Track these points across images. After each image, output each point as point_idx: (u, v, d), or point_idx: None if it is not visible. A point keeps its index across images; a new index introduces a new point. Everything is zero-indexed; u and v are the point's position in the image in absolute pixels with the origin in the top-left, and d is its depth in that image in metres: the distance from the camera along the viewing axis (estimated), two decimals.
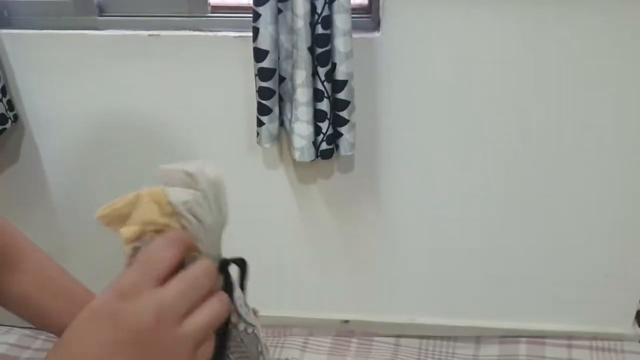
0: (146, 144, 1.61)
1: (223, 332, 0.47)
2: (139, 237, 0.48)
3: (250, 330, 0.54)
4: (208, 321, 0.43)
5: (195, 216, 0.49)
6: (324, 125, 1.40)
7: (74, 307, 0.59)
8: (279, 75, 1.40)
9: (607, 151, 1.51)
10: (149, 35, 1.47)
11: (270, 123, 1.43)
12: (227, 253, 0.51)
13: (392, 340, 1.79)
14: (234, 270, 0.50)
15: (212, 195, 0.51)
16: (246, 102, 1.50)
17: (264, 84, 1.37)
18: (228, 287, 0.48)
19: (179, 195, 0.49)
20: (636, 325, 1.75)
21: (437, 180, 1.59)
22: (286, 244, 1.72)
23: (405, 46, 1.42)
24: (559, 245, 1.65)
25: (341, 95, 1.37)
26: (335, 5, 1.29)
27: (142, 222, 0.49)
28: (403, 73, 1.45)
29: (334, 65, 1.35)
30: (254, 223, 1.67)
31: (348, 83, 1.36)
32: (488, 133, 1.52)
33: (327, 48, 1.33)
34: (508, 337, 1.76)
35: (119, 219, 0.51)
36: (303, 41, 1.30)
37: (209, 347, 0.44)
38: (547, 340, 1.74)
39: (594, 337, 1.74)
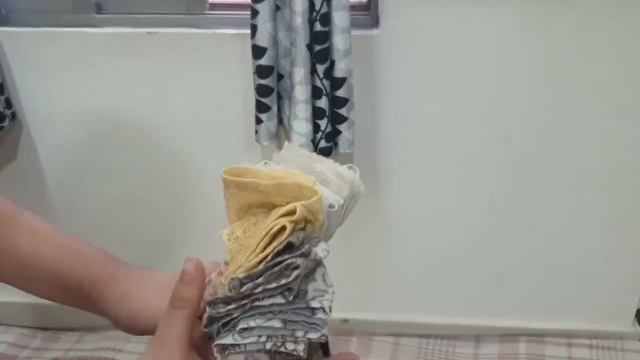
0: (144, 141, 1.60)
1: None
2: (298, 222, 0.48)
3: None
4: None
5: (328, 220, 0.50)
6: (323, 123, 1.40)
7: (92, 266, 0.57)
8: (278, 73, 1.39)
9: (607, 149, 1.50)
10: (147, 33, 1.47)
11: (269, 121, 1.42)
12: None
13: (391, 339, 1.78)
14: None
15: (349, 206, 0.52)
16: (244, 100, 1.49)
17: (263, 82, 1.36)
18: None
19: (329, 199, 0.49)
20: (636, 324, 1.75)
21: (437, 178, 1.58)
22: None
23: (404, 43, 1.42)
24: (558, 244, 1.65)
25: (340, 93, 1.37)
26: (334, 2, 1.28)
27: (310, 211, 0.48)
28: (402, 70, 1.45)
29: (333, 62, 1.34)
30: None
31: (347, 80, 1.36)
32: (488, 131, 1.51)
33: (326, 45, 1.32)
34: (508, 335, 1.76)
35: (249, 189, 0.49)
36: (301, 38, 1.30)
37: None
38: (546, 339, 1.73)
39: (594, 335, 1.74)
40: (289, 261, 0.47)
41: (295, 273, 0.47)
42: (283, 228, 0.47)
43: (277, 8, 1.33)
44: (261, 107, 1.40)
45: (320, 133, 1.41)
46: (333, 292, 0.51)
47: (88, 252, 0.58)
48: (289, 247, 0.47)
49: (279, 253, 0.47)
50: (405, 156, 1.56)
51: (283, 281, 0.47)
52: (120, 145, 1.62)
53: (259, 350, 0.48)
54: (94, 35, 1.49)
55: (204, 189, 1.65)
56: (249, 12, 1.32)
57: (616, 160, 1.51)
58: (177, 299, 0.50)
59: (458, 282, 1.73)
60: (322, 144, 1.42)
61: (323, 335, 0.50)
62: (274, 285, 0.47)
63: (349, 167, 0.52)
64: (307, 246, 0.48)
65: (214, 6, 1.49)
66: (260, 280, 0.47)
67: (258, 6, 1.29)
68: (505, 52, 1.41)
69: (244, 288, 0.47)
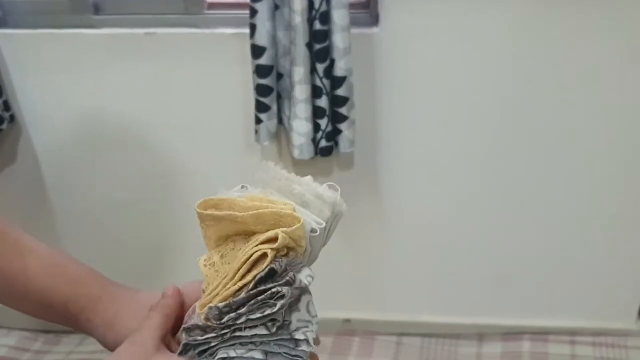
0: (143, 142, 1.60)
1: None
2: (280, 249, 0.47)
3: None
4: None
5: (311, 244, 0.49)
6: (323, 122, 1.39)
7: (79, 288, 0.57)
8: (277, 72, 1.39)
9: (610, 148, 1.50)
10: (145, 33, 1.46)
11: (269, 120, 1.41)
12: None
13: (394, 338, 1.78)
14: None
15: (332, 227, 0.51)
16: (244, 100, 1.49)
17: (262, 81, 1.36)
18: None
19: (310, 223, 0.48)
20: (639, 321, 1.74)
21: (438, 177, 1.58)
22: None
23: (404, 41, 1.41)
24: (560, 242, 1.64)
25: (340, 92, 1.36)
26: (333, 0, 1.28)
27: (292, 238, 0.47)
28: (402, 68, 1.44)
29: (333, 61, 1.34)
30: None
31: (347, 79, 1.35)
32: (489, 130, 1.50)
33: (326, 44, 1.31)
34: (511, 334, 1.75)
35: (228, 222, 0.48)
36: (301, 37, 1.29)
37: None
38: (550, 337, 1.73)
39: (597, 333, 1.73)
40: (274, 290, 0.45)
41: (280, 303, 0.45)
42: (264, 255, 0.46)
43: (276, 7, 1.32)
44: (261, 107, 1.39)
45: (320, 132, 1.40)
46: (317, 323, 0.48)
47: (75, 273, 0.58)
48: (271, 275, 0.46)
49: (260, 281, 0.45)
50: (406, 154, 1.55)
51: (267, 311, 0.45)
52: (119, 146, 1.61)
53: None
54: (92, 37, 1.48)
55: (203, 189, 1.63)
56: (247, 12, 1.31)
57: (618, 158, 1.51)
58: (155, 305, 0.52)
59: (460, 280, 1.73)
60: (323, 143, 1.42)
61: None
62: (257, 315, 0.45)
63: (330, 186, 0.50)
64: (291, 274, 0.46)
65: (212, 6, 1.48)
66: (243, 310, 0.45)
67: (257, 5, 1.29)
68: (506, 50, 1.41)
69: (226, 318, 0.45)
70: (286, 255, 0.47)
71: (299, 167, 1.57)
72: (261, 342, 0.46)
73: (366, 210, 1.63)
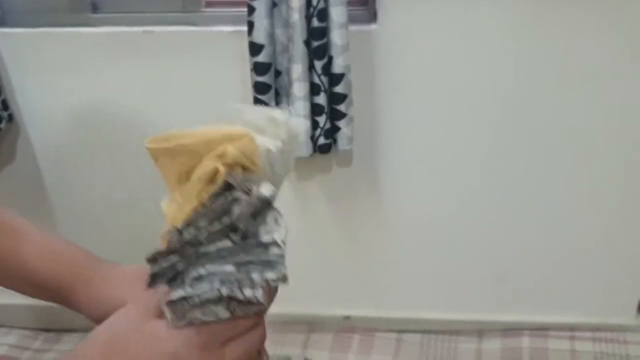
0: (142, 140, 1.59)
1: None
2: (233, 166, 0.45)
3: None
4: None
5: (270, 165, 0.47)
6: (322, 120, 1.39)
7: (71, 268, 0.58)
8: (275, 70, 1.39)
9: (608, 145, 1.50)
10: (144, 31, 1.46)
11: None
12: None
13: (394, 335, 1.78)
14: None
15: (290, 149, 0.49)
16: (242, 97, 1.48)
17: (260, 79, 1.36)
18: None
19: (266, 143, 0.46)
20: (639, 316, 1.74)
21: (437, 173, 1.58)
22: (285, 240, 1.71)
23: (402, 38, 1.41)
24: (560, 238, 1.64)
25: (338, 89, 1.36)
26: None
27: (244, 153, 0.45)
28: (401, 66, 1.44)
29: (331, 58, 1.34)
30: None
31: (345, 76, 1.35)
32: (488, 127, 1.50)
33: (324, 41, 1.31)
34: (510, 330, 1.75)
35: (179, 154, 0.46)
36: (299, 34, 1.29)
37: None
38: (549, 333, 1.73)
39: (597, 328, 1.73)
40: (230, 198, 0.43)
41: (238, 208, 0.43)
42: (217, 171, 0.44)
43: (274, 4, 1.32)
44: (259, 105, 1.39)
45: (319, 130, 1.40)
46: (286, 229, 0.46)
47: (68, 255, 0.59)
48: (228, 190, 0.44)
49: (217, 196, 0.44)
50: (405, 152, 1.55)
51: (226, 219, 0.43)
52: (118, 144, 1.61)
53: (216, 303, 0.44)
54: (90, 35, 1.48)
55: None
56: (245, 9, 1.31)
57: (618, 155, 1.51)
58: None
59: (460, 277, 1.73)
60: (321, 140, 1.42)
61: (283, 275, 0.44)
62: (217, 226, 0.43)
63: (281, 109, 0.49)
64: (248, 183, 0.44)
65: (210, 4, 1.48)
66: (202, 223, 0.43)
67: (255, 3, 1.29)
68: (506, 47, 1.41)
69: (185, 234, 0.44)
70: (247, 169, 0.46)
71: (297, 164, 1.57)
72: (230, 255, 0.45)
73: (365, 207, 1.63)
